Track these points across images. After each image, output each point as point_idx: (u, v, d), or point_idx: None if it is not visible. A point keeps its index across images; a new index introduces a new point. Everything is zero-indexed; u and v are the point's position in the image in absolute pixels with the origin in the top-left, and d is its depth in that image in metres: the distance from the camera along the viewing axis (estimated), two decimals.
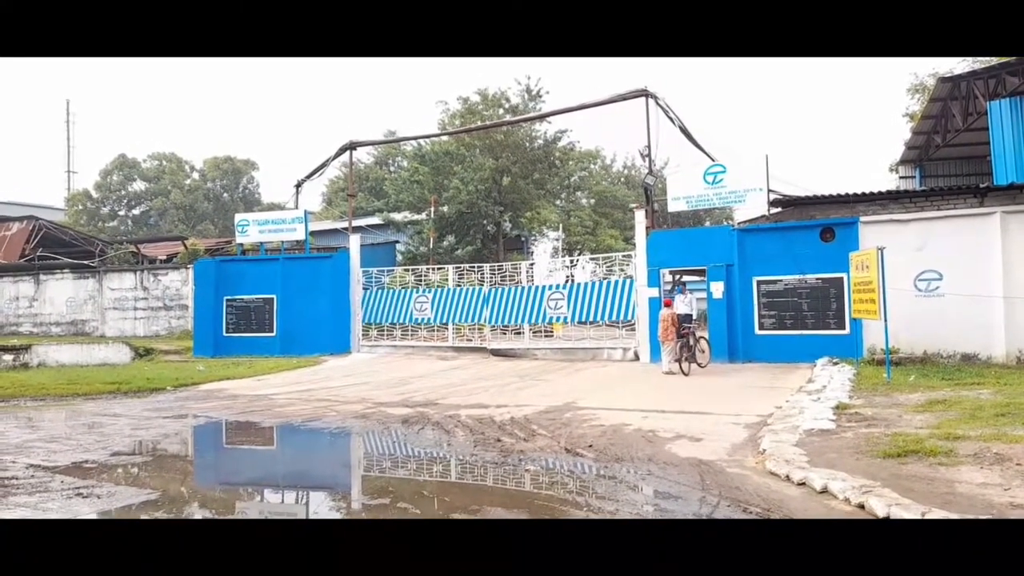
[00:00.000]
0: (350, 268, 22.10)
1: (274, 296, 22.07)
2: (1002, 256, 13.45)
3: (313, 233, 26.31)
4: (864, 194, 15.32)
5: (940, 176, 25.12)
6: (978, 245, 13.69)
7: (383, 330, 21.91)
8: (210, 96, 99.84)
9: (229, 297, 22.56)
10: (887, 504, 4.90)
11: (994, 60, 25.60)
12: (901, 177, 27.69)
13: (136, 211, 57.01)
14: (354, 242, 22.47)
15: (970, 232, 13.87)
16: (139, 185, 56.34)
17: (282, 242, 23.44)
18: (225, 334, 22.44)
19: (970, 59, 30.59)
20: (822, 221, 15.50)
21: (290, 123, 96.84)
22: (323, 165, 24.50)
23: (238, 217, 24.41)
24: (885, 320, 11.66)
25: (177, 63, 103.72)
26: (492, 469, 7.38)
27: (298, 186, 24.80)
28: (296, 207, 24.62)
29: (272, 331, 22.03)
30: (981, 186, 14.87)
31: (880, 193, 15.58)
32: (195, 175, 58.31)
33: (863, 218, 14.88)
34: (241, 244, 23.93)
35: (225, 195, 57.90)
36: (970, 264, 13.71)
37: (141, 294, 29.17)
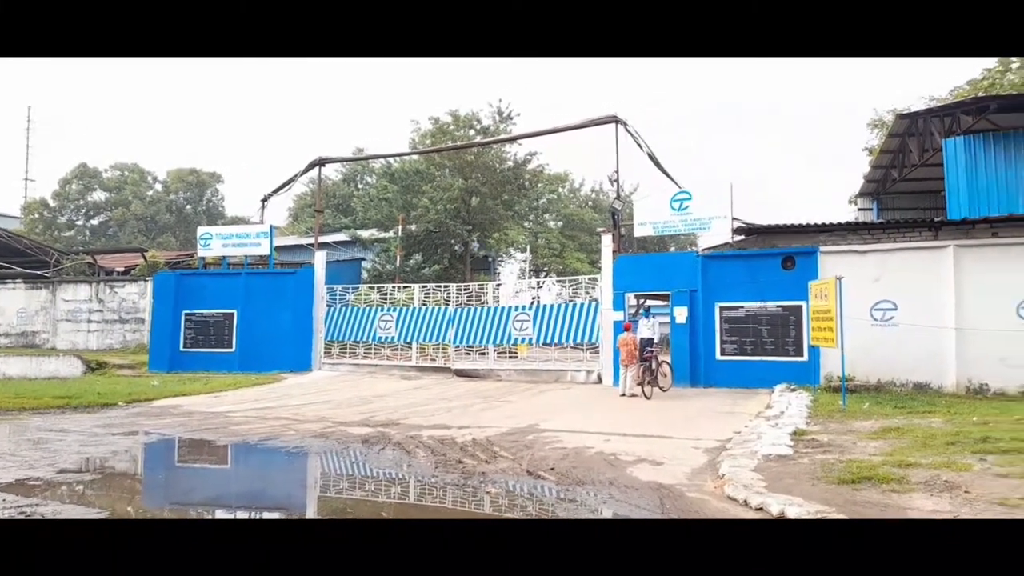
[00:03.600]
0: (314, 284, 21.83)
1: (235, 311, 21.68)
2: (954, 288, 13.86)
3: (278, 248, 26.00)
4: (824, 224, 15.69)
5: (897, 209, 25.88)
6: (932, 277, 14.09)
7: (346, 348, 21.64)
8: (177, 107, 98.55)
9: (188, 311, 22.10)
10: None
11: (950, 99, 26.59)
12: (860, 209, 28.48)
13: (95, 221, 55.71)
14: (319, 258, 22.24)
15: (924, 264, 14.27)
16: (99, 195, 55.12)
17: (245, 257, 23.10)
18: (182, 349, 21.95)
19: (927, 96, 31.72)
20: (783, 250, 15.81)
21: (258, 137, 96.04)
22: (291, 180, 24.30)
23: (201, 230, 23.99)
24: (842, 348, 11.90)
25: (142, 74, 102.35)
26: (452, 491, 7.29)
27: (264, 200, 24.51)
28: (262, 222, 24.31)
29: (231, 347, 21.61)
30: (936, 220, 15.34)
31: (839, 224, 15.98)
32: (158, 186, 57.31)
33: (823, 248, 15.23)
34: (203, 258, 23.51)
35: (188, 207, 56.94)
36: (924, 295, 14.09)
37: (96, 306, 28.39)
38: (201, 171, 57.79)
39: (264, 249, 22.49)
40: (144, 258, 30.96)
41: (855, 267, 14.34)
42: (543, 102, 69.30)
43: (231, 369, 20.68)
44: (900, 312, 14.21)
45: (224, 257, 23.25)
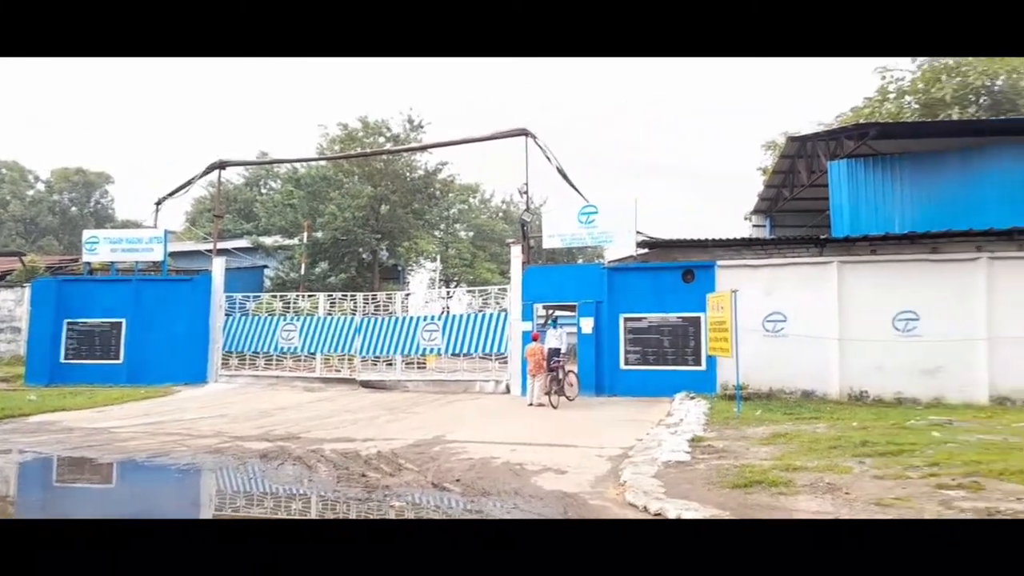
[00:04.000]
0: (212, 292, 20.86)
1: (123, 320, 20.41)
2: (837, 301, 14.81)
3: (174, 255, 24.77)
4: (720, 240, 16.44)
5: (787, 227, 27.43)
6: (818, 291, 15.00)
7: (245, 359, 20.78)
8: (64, 103, 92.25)
9: (71, 320, 20.63)
10: None
11: (835, 124, 28.46)
12: (754, 226, 30.01)
13: None
14: (218, 265, 21.28)
15: (811, 279, 15.17)
16: None
17: (137, 263, 21.84)
18: (64, 360, 20.45)
19: (815, 121, 33.88)
20: (684, 263, 16.44)
21: (154, 138, 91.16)
22: (188, 183, 23.21)
23: (87, 234, 22.47)
24: (737, 358, 12.47)
25: (25, 67, 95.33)
26: (355, 506, 7.11)
27: (159, 203, 23.31)
28: (155, 226, 23.08)
29: (119, 358, 20.32)
30: (821, 237, 16.37)
31: (735, 240, 16.78)
32: (40, 186, 53.44)
33: (720, 262, 15.93)
34: (89, 263, 22.06)
35: (74, 209, 53.48)
36: (811, 308, 14.97)
37: None
38: (88, 171, 54.43)
39: (157, 255, 21.32)
40: (22, 262, 28.72)
41: (749, 281, 15.08)
42: (454, 113, 69.36)
43: (119, 382, 19.44)
44: (790, 323, 15.04)
45: (113, 263, 21.91)
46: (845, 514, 5.76)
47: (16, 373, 20.95)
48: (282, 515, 7.13)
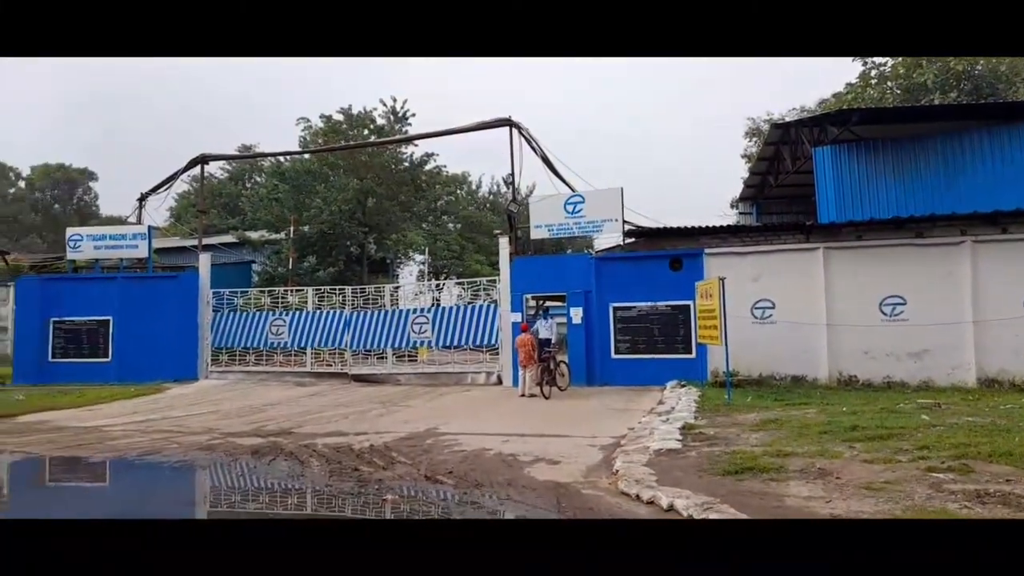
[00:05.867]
0: (199, 288, 20.75)
1: (110, 318, 20.27)
2: (825, 287, 14.92)
3: (159, 251, 24.55)
4: (707, 228, 16.50)
5: (774, 213, 27.60)
6: (805, 277, 15.10)
7: (235, 355, 20.69)
8: (43, 97, 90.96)
9: (57, 319, 20.46)
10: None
11: (818, 111, 28.59)
12: (740, 213, 30.17)
13: None
14: (204, 261, 21.15)
15: (798, 265, 15.27)
16: None
17: (121, 260, 21.64)
18: (51, 359, 20.31)
19: (799, 108, 33.98)
20: (671, 252, 16.49)
21: (136, 132, 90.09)
22: (171, 178, 23.01)
23: (70, 231, 22.23)
24: (726, 345, 12.56)
25: (7, 62, 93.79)
26: (348, 500, 7.12)
27: (142, 200, 23.11)
28: (139, 222, 22.89)
29: (107, 356, 20.19)
30: (807, 224, 16.46)
31: (721, 227, 16.85)
32: (21, 183, 52.76)
33: (707, 250, 15.99)
34: (73, 261, 21.86)
35: (56, 206, 52.89)
36: (799, 294, 15.08)
37: None
38: (71, 167, 53.79)
39: (142, 251, 21.16)
40: (5, 261, 28.37)
41: (737, 268, 15.16)
42: (439, 103, 69.10)
43: (108, 380, 19.31)
44: (778, 310, 15.14)
45: (97, 260, 21.71)
46: (836, 498, 5.83)
47: (3, 373, 20.75)
48: (277, 510, 7.12)
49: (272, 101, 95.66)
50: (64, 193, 53.36)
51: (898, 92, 27.75)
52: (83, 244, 21.31)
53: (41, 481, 9.21)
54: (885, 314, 14.54)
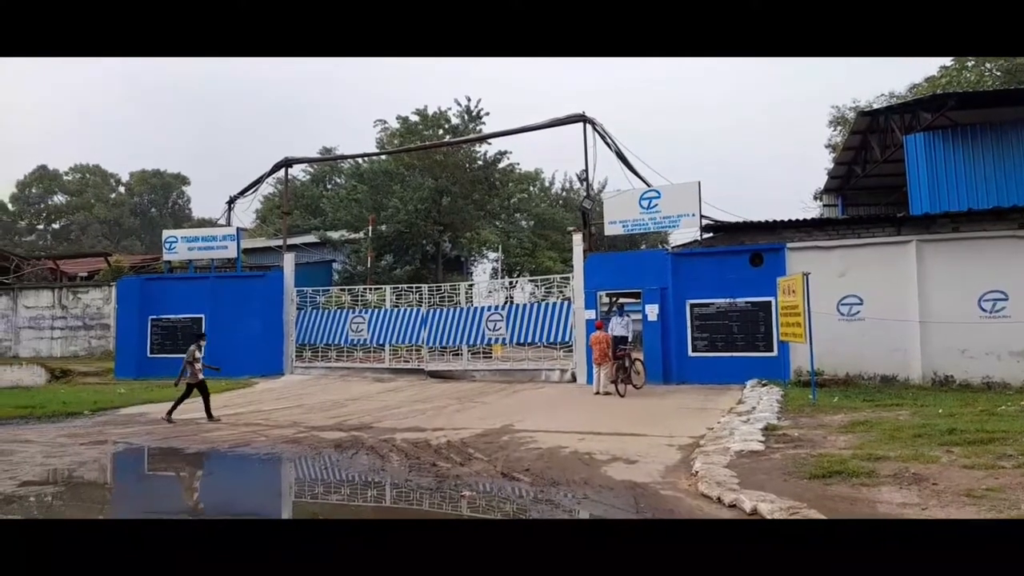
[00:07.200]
0: (284, 287, 21.58)
1: (202, 316, 21.31)
2: (917, 282, 14.15)
3: (246, 251, 25.63)
4: (790, 221, 15.92)
5: (861, 205, 26.38)
6: (896, 272, 14.36)
7: (318, 351, 21.41)
8: (141, 107, 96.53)
9: (155, 317, 21.69)
10: None
11: (909, 96, 27.16)
12: (825, 205, 28.97)
13: (56, 225, 54.46)
14: (288, 261, 21.98)
15: (888, 259, 14.54)
16: (60, 198, 53.86)
17: (212, 260, 22.73)
18: (150, 355, 21.54)
19: (887, 94, 32.41)
20: (751, 247, 16.00)
21: (225, 138, 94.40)
22: (257, 181, 23.95)
23: (166, 234, 23.54)
24: (810, 343, 12.09)
25: (104, 73, 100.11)
26: (427, 495, 7.25)
27: (231, 202, 24.17)
28: (228, 224, 23.95)
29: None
30: (899, 215, 15.64)
31: (805, 221, 16.22)
32: (121, 189, 56.21)
33: (789, 244, 15.43)
34: (168, 262, 23.11)
35: (153, 210, 56.05)
36: (889, 289, 14.35)
37: (59, 312, 27.70)
38: (166, 173, 56.87)
39: (231, 252, 22.15)
40: (108, 263, 30.32)
41: (821, 263, 14.55)
42: (512, 101, 69.36)
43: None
44: (866, 306, 14.46)
45: (190, 261, 22.87)
46: (933, 505, 5.52)
47: (106, 367, 22.16)
48: (358, 503, 7.33)
49: (351, 103, 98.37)
50: (160, 197, 56.50)
51: (998, 74, 26.01)
52: (178, 246, 22.50)
53: (142, 469, 9.79)
54: (984, 310, 13.66)
